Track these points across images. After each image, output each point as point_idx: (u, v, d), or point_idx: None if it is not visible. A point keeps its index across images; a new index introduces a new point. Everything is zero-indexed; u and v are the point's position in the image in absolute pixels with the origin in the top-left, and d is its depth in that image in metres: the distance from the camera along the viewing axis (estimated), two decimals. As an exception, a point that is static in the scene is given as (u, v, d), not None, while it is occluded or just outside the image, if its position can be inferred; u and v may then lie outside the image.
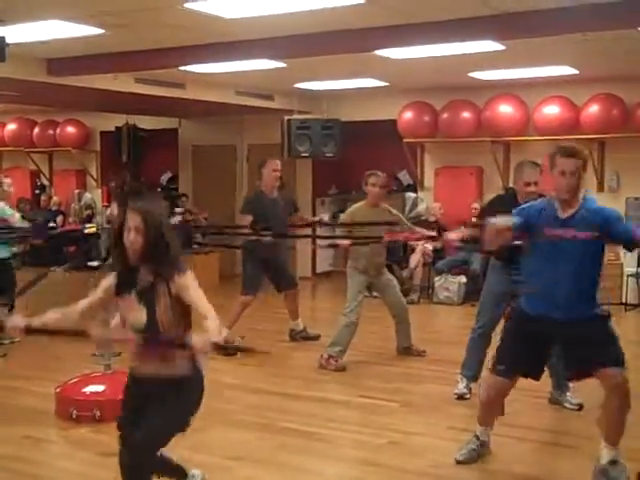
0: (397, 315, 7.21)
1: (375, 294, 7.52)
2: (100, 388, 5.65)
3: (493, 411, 4.75)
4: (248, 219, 7.51)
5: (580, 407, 5.63)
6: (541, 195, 5.11)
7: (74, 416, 5.45)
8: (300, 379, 6.69)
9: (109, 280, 3.50)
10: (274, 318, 8.09)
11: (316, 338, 7.93)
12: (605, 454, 4.33)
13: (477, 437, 4.77)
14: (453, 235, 4.95)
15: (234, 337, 7.32)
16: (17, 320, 3.48)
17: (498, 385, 4.54)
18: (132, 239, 3.33)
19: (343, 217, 7.27)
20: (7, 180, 7.86)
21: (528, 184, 5.41)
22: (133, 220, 3.35)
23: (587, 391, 5.24)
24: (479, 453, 4.74)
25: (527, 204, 4.58)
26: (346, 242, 6.89)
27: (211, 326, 3.19)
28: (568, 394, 5.72)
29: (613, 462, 4.31)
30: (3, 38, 6.35)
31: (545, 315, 4.27)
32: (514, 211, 4.46)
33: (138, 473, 3.50)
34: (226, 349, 3.37)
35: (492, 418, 4.76)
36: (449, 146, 11.22)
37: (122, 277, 3.45)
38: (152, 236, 3.35)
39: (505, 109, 10.62)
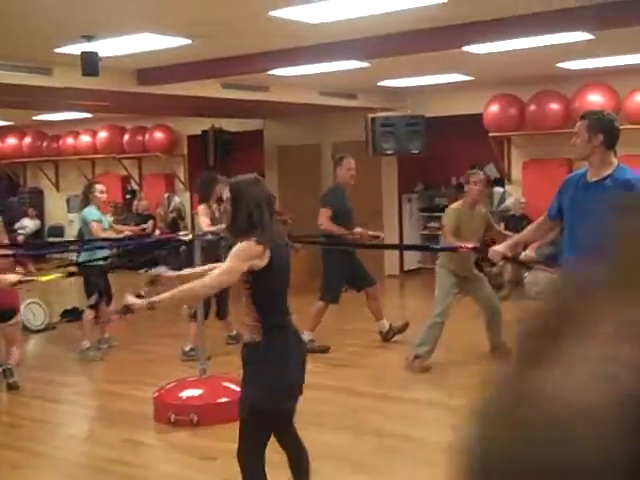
0: (489, 315, 7.11)
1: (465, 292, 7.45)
2: (197, 392, 5.76)
3: None
4: (327, 212, 7.62)
5: None
6: None
7: (172, 420, 5.56)
8: (391, 379, 6.69)
9: None
10: (363, 317, 8.08)
11: (404, 328, 7.91)
12: None
13: None
14: (500, 249, 4.87)
15: (313, 339, 7.47)
16: (137, 300, 3.68)
17: None
18: (224, 208, 3.80)
19: (448, 219, 7.01)
20: (99, 186, 7.86)
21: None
22: (225, 191, 3.76)
23: None
24: None
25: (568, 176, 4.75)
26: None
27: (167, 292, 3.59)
28: None
29: None
30: (96, 54, 6.55)
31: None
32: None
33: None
34: (127, 312, 3.66)
35: None
36: (537, 138, 10.99)
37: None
38: (237, 206, 3.53)
39: (595, 98, 10.33)
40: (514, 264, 5.92)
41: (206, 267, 4.01)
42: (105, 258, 7.89)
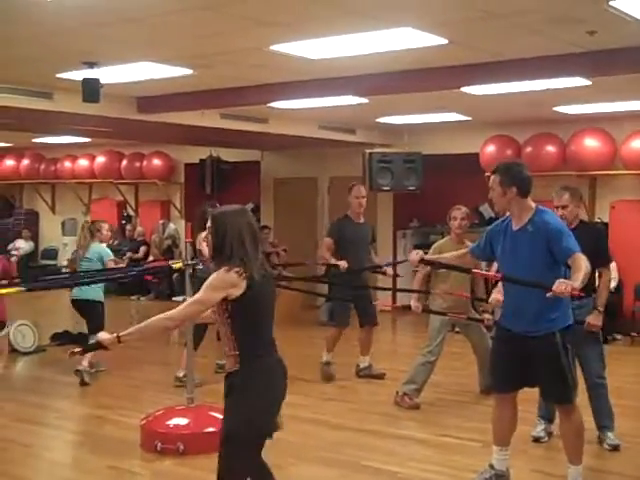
0: (480, 356, 7.08)
1: (458, 330, 7.45)
2: (184, 421, 5.73)
3: (502, 426, 4.80)
4: (327, 242, 7.73)
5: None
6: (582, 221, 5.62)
7: (159, 448, 5.53)
8: (380, 415, 6.65)
9: None
10: (353, 352, 8.05)
11: (380, 377, 7.84)
12: (569, 474, 4.63)
13: (492, 466, 4.80)
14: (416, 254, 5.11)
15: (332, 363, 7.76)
16: (107, 335, 3.60)
17: (497, 400, 4.84)
18: (205, 238, 3.75)
19: (430, 252, 7.10)
20: (106, 225, 8.26)
21: (556, 207, 5.51)
22: (208, 221, 3.63)
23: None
24: None
25: (495, 223, 4.89)
26: (418, 305, 6.80)
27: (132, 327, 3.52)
28: (609, 434, 5.61)
29: None
30: (97, 80, 6.61)
31: (507, 327, 4.62)
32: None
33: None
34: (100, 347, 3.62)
35: (503, 435, 4.80)
36: (533, 180, 11.04)
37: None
38: (217, 236, 3.52)
39: (591, 143, 10.44)
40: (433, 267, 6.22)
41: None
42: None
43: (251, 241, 3.52)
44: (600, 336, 5.59)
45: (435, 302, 6.99)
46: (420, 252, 5.05)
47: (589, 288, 5.38)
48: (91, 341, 3.72)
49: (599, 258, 5.40)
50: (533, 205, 4.55)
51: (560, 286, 4.13)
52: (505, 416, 4.78)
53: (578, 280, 4.17)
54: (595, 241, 5.45)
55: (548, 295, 4.19)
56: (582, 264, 4.27)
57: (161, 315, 3.52)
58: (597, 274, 5.50)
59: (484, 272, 5.16)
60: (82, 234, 8.11)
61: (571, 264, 4.34)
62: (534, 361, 4.51)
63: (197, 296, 3.49)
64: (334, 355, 7.88)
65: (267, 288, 3.60)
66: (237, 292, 3.42)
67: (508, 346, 4.64)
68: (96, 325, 7.64)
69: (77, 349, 3.77)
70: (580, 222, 5.54)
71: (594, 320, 5.37)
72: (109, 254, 8.05)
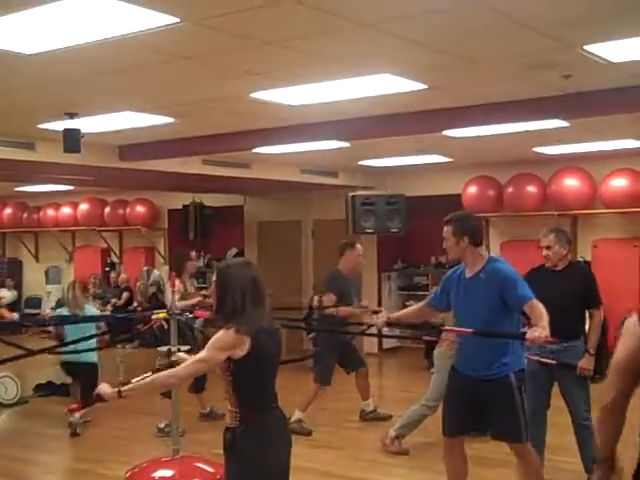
0: None
1: (433, 371, 7.42)
2: (169, 473, 5.66)
3: (452, 472, 4.89)
4: (332, 298, 7.51)
5: None
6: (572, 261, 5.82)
7: (144, 502, 5.45)
8: (369, 462, 6.59)
9: None
10: (344, 398, 7.98)
11: (387, 418, 7.79)
12: None
13: None
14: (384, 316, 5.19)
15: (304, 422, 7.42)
16: (108, 389, 3.58)
17: (445, 445, 4.90)
18: (210, 292, 3.75)
19: None
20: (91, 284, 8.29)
21: (541, 247, 5.66)
22: (213, 276, 3.65)
23: None
24: None
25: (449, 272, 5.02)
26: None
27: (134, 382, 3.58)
28: None
29: None
30: (78, 131, 6.62)
31: (463, 372, 4.73)
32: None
33: None
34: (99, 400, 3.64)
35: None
36: (515, 220, 11.14)
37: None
38: (220, 290, 3.51)
39: (571, 182, 10.53)
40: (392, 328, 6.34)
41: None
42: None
43: (255, 296, 3.48)
44: (589, 380, 5.53)
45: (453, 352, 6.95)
46: (385, 314, 5.15)
47: (578, 330, 5.42)
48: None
49: (590, 299, 5.41)
50: (485, 254, 4.76)
51: (533, 333, 4.25)
52: (455, 463, 4.88)
53: (546, 327, 4.27)
54: (585, 282, 5.47)
55: (527, 342, 4.29)
56: (542, 310, 4.38)
57: (164, 372, 3.58)
58: (588, 315, 5.51)
59: (454, 328, 5.16)
60: (72, 293, 7.94)
61: (529, 311, 4.45)
62: (487, 403, 4.60)
63: (201, 355, 3.43)
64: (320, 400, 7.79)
65: (272, 344, 3.53)
66: (241, 353, 3.36)
67: (462, 390, 4.73)
68: (90, 388, 7.54)
69: (75, 405, 3.77)
70: (569, 263, 5.57)
71: (585, 364, 5.38)
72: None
